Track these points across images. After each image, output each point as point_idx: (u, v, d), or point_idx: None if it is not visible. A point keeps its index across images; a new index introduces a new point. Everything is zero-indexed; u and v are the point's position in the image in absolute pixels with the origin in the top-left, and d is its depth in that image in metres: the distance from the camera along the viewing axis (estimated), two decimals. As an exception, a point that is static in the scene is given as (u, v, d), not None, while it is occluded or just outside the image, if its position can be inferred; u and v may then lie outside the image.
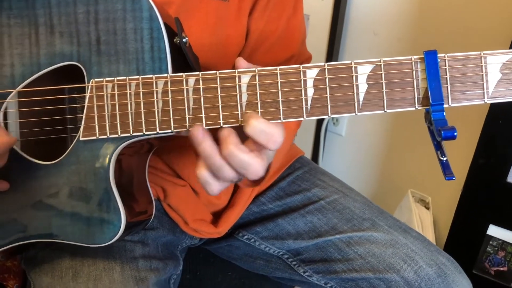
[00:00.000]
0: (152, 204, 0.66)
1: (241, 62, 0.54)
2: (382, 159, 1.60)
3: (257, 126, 0.50)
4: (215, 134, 0.54)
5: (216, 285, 0.85)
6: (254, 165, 0.51)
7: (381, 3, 1.42)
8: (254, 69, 0.54)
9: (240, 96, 0.54)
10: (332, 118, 1.63)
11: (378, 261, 0.70)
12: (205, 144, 0.51)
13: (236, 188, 0.81)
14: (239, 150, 0.50)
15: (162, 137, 0.58)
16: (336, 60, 1.55)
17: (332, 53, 1.51)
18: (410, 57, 0.53)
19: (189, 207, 0.76)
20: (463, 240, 1.24)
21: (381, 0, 1.42)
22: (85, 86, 0.56)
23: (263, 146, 0.51)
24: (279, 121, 0.54)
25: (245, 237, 0.81)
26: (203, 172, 0.53)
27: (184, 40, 0.58)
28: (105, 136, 0.56)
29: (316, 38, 1.55)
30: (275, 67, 0.53)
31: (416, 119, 1.42)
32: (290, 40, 0.79)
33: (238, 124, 0.54)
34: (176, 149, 0.74)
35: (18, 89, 0.58)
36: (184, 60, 0.59)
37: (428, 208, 1.53)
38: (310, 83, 0.53)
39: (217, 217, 0.80)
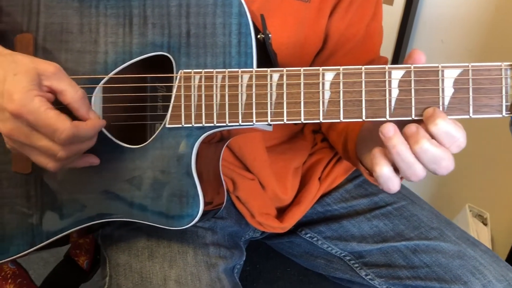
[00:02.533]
0: (224, 194, 0.68)
1: (419, 54, 0.52)
2: (440, 170, 1.56)
3: (444, 127, 0.49)
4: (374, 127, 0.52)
5: (275, 279, 0.86)
6: (447, 159, 0.49)
7: (451, 11, 1.39)
8: (339, 67, 0.54)
9: (323, 93, 0.55)
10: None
11: (445, 271, 0.69)
12: (397, 140, 0.50)
13: (301, 186, 0.81)
14: (433, 144, 0.49)
15: (239, 129, 0.60)
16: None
17: (398, 58, 1.49)
18: (499, 63, 0.52)
19: (256, 200, 0.77)
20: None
21: (451, 8, 1.38)
22: (171, 77, 0.59)
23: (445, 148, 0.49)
24: (361, 120, 0.54)
25: (308, 235, 0.82)
26: (385, 169, 0.51)
27: (268, 36, 0.60)
28: (190, 125, 0.58)
29: (383, 43, 1.53)
30: (360, 66, 0.54)
31: (478, 132, 1.37)
32: (371, 44, 0.79)
33: (319, 121, 0.55)
34: (247, 143, 0.76)
35: (111, 75, 0.61)
36: (264, 56, 0.61)
37: (486, 224, 1.48)
38: (395, 83, 0.53)
39: (281, 212, 0.81)
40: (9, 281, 0.84)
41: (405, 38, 1.47)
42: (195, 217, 0.59)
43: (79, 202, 0.63)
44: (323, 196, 0.83)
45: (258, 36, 0.59)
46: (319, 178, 0.82)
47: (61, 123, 0.51)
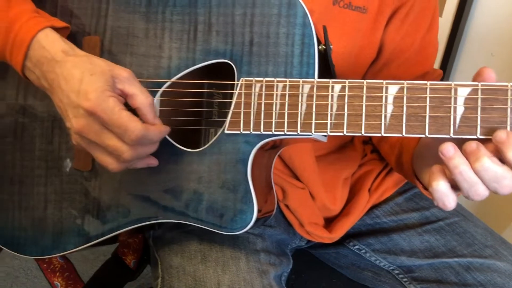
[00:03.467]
0: (275, 202, 0.69)
1: (489, 72, 0.51)
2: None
3: None
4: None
5: (319, 289, 0.85)
6: (509, 178, 0.48)
7: (502, 23, 1.35)
8: (403, 81, 0.54)
9: (386, 106, 0.55)
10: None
11: (500, 291, 0.68)
12: (459, 161, 0.49)
13: (351, 197, 0.81)
14: (494, 162, 0.48)
15: (293, 138, 0.60)
16: (448, 78, 1.50)
17: (445, 71, 1.46)
18: None
19: (305, 209, 0.77)
20: None
21: (502, 20, 1.35)
22: (230, 84, 0.60)
23: None
24: (423, 135, 0.54)
25: (356, 247, 0.81)
26: (441, 185, 0.51)
27: (330, 47, 0.60)
28: (248, 132, 0.59)
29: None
30: (425, 82, 0.53)
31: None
32: (426, 56, 0.78)
33: (380, 134, 0.55)
34: (297, 152, 0.76)
35: (173, 79, 0.63)
36: (324, 66, 0.61)
37: (532, 244, 1.43)
38: (461, 101, 0.52)
39: (328, 222, 0.81)
40: (57, 274, 0.87)
41: (453, 50, 1.44)
42: (249, 223, 0.59)
43: (135, 202, 0.65)
44: (372, 208, 0.82)
45: (319, 47, 0.59)
46: (369, 190, 0.81)
47: (133, 124, 0.53)
